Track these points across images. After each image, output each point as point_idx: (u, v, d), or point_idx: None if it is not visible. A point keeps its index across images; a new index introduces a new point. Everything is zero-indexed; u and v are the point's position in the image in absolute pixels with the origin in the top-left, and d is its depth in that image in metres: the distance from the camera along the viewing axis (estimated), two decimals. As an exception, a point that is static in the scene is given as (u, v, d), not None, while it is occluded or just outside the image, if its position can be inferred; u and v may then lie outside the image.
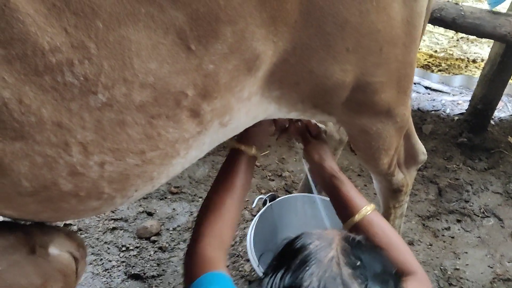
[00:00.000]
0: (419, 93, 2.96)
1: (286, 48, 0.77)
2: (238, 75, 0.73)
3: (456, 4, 2.04)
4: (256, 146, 1.05)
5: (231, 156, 1.03)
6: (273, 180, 2.23)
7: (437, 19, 2.02)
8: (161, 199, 2.05)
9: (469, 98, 2.59)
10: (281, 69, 0.80)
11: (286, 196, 1.71)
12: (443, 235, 2.01)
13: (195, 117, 0.72)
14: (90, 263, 1.75)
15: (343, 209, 1.00)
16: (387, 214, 1.43)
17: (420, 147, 1.35)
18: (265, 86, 0.82)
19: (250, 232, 1.49)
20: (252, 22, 0.69)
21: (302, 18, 0.74)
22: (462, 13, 1.99)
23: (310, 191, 1.88)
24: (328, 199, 1.66)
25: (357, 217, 0.96)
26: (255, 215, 1.71)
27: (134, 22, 0.59)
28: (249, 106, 0.82)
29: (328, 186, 1.05)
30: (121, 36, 0.59)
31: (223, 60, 0.69)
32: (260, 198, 1.66)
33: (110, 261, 1.77)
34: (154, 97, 0.65)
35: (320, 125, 1.16)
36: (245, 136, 1.05)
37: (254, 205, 1.68)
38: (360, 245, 0.74)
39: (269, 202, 1.63)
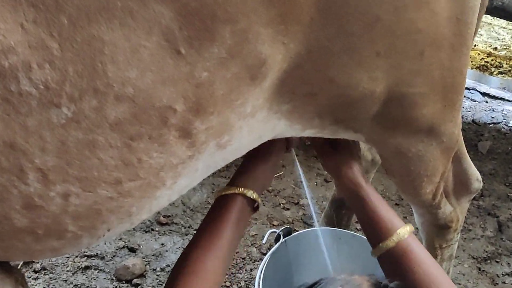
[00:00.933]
0: (475, 101, 2.95)
1: (299, 51, 0.77)
2: (239, 85, 0.73)
3: (522, -10, 2.02)
4: (256, 189, 1.03)
5: (220, 202, 1.01)
6: (288, 209, 2.22)
7: (498, 9, 2.01)
8: (146, 232, 2.06)
9: (538, 108, 2.57)
10: (293, 77, 0.80)
11: (305, 230, 1.70)
12: (504, 282, 1.98)
13: (185, 138, 0.72)
14: (56, 312, 1.75)
15: (372, 231, 1.00)
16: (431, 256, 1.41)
17: (474, 172, 1.34)
18: (273, 99, 0.82)
19: (259, 275, 1.47)
20: (256, 21, 0.69)
21: (320, 15, 0.74)
22: (529, 2, 1.98)
23: (336, 223, 1.87)
24: (357, 235, 1.65)
25: (390, 242, 0.95)
26: (265, 254, 1.70)
27: (108, 19, 0.59)
28: (253, 124, 0.83)
29: (353, 201, 1.05)
30: (91, 35, 0.59)
31: (220, 67, 0.69)
32: (271, 232, 1.65)
33: (81, 309, 1.77)
34: (134, 113, 0.65)
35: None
36: (241, 176, 1.05)
37: (264, 241, 1.67)
38: None
39: (283, 237, 1.61)
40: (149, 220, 2.09)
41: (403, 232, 0.95)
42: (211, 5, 0.64)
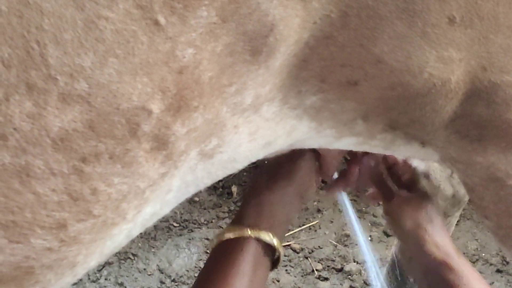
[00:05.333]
0: None
1: (328, 13, 0.78)
2: (234, 62, 0.75)
3: None
4: (276, 228, 1.04)
5: (221, 251, 1.02)
6: (326, 278, 2.24)
7: None
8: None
9: None
10: (321, 56, 0.82)
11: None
12: None
13: (159, 150, 0.74)
14: None
15: None
16: None
17: None
18: (289, 87, 0.84)
19: None
20: None
21: None
22: None
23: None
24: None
25: None
26: None
27: (50, -23, 0.60)
28: (257, 122, 0.84)
29: (433, 280, 1.06)
30: (22, 2, 0.60)
31: (208, 38, 0.71)
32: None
33: None
34: (88, 121, 0.66)
35: (416, 163, 1.16)
36: (252, 208, 1.06)
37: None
38: None
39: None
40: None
41: None
42: None
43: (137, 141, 0.71)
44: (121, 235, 0.81)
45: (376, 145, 0.97)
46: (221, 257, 1.00)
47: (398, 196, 1.14)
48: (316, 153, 1.14)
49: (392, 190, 1.15)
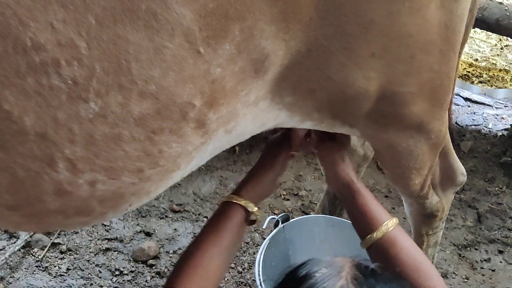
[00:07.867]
0: (458, 105, 2.93)
1: (299, 49, 0.78)
2: (245, 77, 0.74)
3: (500, 3, 2.01)
4: (257, 202, 1.02)
5: (223, 208, 1.00)
6: (288, 199, 2.22)
7: (479, 20, 1.99)
8: (161, 218, 2.05)
9: (515, 111, 2.55)
10: (294, 73, 0.81)
11: (301, 217, 1.68)
12: (482, 268, 1.97)
13: (200, 128, 0.73)
14: (79, 288, 1.74)
15: (361, 223, 0.98)
16: (418, 242, 1.41)
17: (459, 166, 1.33)
18: (275, 91, 0.83)
19: (259, 257, 1.46)
20: (261, 18, 0.69)
21: (318, 15, 0.75)
22: (507, 14, 1.96)
23: (331, 212, 1.86)
24: (349, 222, 1.63)
25: (376, 234, 0.93)
26: (266, 238, 1.69)
27: (133, 20, 0.59)
28: (256, 112, 0.84)
29: (343, 195, 1.03)
30: (116, 35, 0.58)
31: (230, 62, 0.70)
32: (271, 218, 1.63)
33: (102, 286, 1.77)
34: (156, 109, 0.65)
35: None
36: (248, 185, 1.03)
37: (264, 226, 1.65)
38: (375, 274, 0.72)
39: (282, 223, 1.59)
40: (163, 208, 2.08)
41: (390, 224, 0.93)
42: (225, 4, 0.64)
43: (186, 122, 0.70)
44: (177, 177, 0.81)
45: (324, 126, 0.97)
46: (223, 213, 0.98)
47: (325, 141, 1.11)
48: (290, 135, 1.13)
49: (323, 137, 1.12)
